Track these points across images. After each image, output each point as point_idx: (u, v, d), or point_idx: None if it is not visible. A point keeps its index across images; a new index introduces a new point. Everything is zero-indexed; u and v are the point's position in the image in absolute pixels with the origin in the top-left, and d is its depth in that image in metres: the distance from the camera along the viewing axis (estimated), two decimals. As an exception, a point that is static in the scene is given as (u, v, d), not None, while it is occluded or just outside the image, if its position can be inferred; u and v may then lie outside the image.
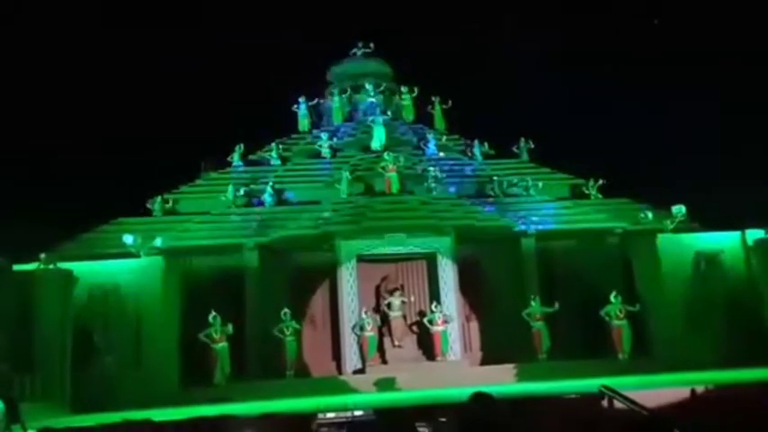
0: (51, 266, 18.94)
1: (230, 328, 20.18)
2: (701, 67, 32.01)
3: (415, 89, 29.51)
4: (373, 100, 28.64)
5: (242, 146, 27.16)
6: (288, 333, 20.85)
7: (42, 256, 19.22)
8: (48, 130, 31.50)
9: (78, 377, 18.32)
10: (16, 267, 18.61)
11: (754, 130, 28.87)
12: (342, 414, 12.09)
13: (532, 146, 27.60)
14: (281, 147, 27.47)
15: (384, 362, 21.42)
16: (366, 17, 37.44)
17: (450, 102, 29.50)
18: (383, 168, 23.92)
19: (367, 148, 26.44)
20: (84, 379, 18.33)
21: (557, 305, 21.03)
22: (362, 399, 16.77)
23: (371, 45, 30.16)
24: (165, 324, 19.86)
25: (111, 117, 34.25)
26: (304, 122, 29.25)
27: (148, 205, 24.75)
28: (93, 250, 21.50)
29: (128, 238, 20.90)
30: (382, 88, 29.56)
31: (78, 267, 19.22)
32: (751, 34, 31.19)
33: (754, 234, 21.16)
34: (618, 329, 21.03)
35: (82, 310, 19.20)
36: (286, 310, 21.00)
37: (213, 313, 20.18)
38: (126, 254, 20.70)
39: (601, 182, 25.51)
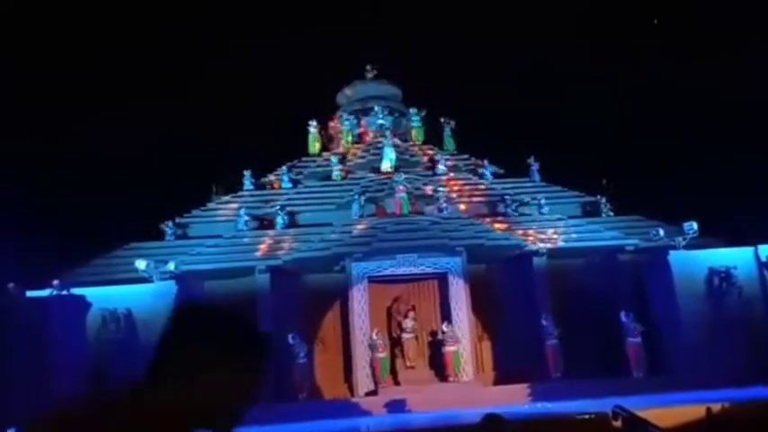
0: (64, 292, 19.08)
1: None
2: (711, 78, 32.03)
3: (424, 110, 29.60)
4: (383, 122, 28.80)
5: (251, 169, 27.37)
6: (300, 355, 20.80)
7: (55, 282, 19.37)
8: (59, 156, 31.82)
9: (92, 403, 18.33)
10: (30, 294, 18.77)
11: (765, 144, 28.77)
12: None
13: (537, 164, 27.60)
14: (291, 170, 27.62)
15: (396, 383, 21.33)
16: (375, 39, 37.72)
17: (452, 122, 29.54)
18: (393, 189, 24.05)
19: (377, 170, 26.56)
20: (97, 404, 18.33)
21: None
22: (375, 421, 16.70)
23: (381, 70, 30.49)
24: (177, 348, 19.86)
25: (124, 141, 34.62)
26: (314, 145, 29.46)
27: (161, 229, 24.92)
28: (106, 275, 21.63)
29: (140, 263, 20.99)
30: (392, 110, 29.75)
31: (91, 293, 19.37)
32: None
33: (766, 249, 21.03)
34: (632, 347, 20.87)
35: (95, 335, 19.30)
36: (293, 334, 20.96)
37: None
38: (138, 279, 20.79)
39: (607, 185, 25.60)
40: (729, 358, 19.45)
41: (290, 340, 20.72)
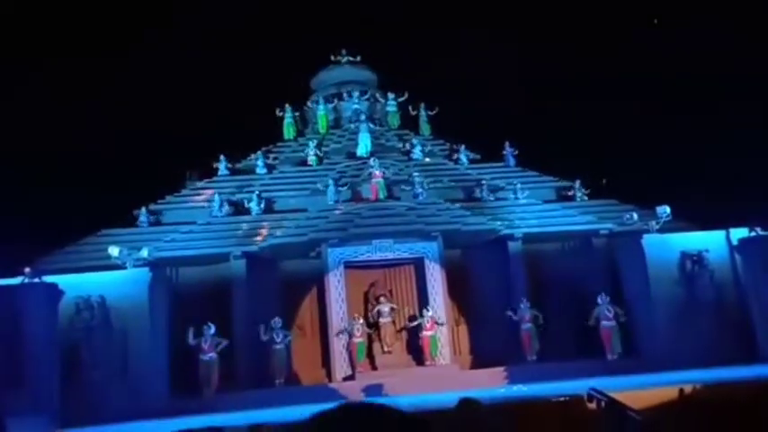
0: (36, 280, 18.78)
1: (222, 341, 20.14)
2: (682, 66, 32.33)
3: (405, 94, 29.47)
4: (358, 107, 28.68)
5: (225, 154, 27.15)
6: (278, 341, 20.78)
7: (27, 269, 19.06)
8: (28, 141, 31.28)
9: (66, 391, 18.16)
10: (0, 282, 18.47)
11: (734, 128, 29.16)
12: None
13: (512, 149, 27.75)
14: (267, 155, 27.44)
15: (374, 368, 21.40)
16: (349, 23, 37.51)
17: (437, 108, 29.59)
18: (369, 175, 24.02)
19: (353, 155, 26.49)
20: (72, 392, 18.16)
21: (541, 319, 21.15)
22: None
23: (357, 57, 30.33)
24: (152, 335, 19.74)
25: (95, 127, 34.10)
26: (289, 130, 29.24)
27: (134, 216, 24.64)
28: (79, 263, 21.36)
29: (113, 250, 20.76)
30: (367, 95, 29.63)
31: (64, 280, 19.07)
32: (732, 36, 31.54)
33: (737, 233, 21.32)
34: (607, 330, 21.12)
35: (68, 323, 19.06)
36: (277, 318, 20.95)
37: (209, 324, 20.06)
38: (112, 266, 20.55)
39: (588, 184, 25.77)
40: (701, 340, 19.77)
41: (274, 325, 20.69)
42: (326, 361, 21.53)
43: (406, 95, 29.40)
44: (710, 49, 31.13)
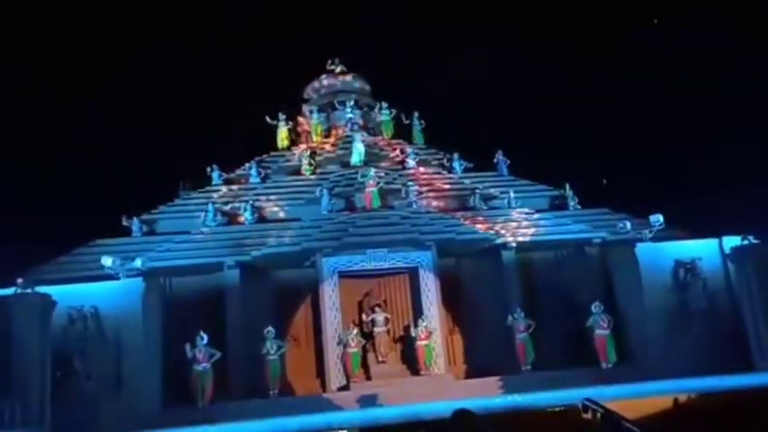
0: (29, 291, 18.66)
1: (215, 353, 20.02)
2: (682, 66, 32.50)
3: (394, 111, 29.59)
4: (352, 116, 28.74)
5: (219, 164, 27.13)
6: (272, 352, 20.69)
7: (19, 280, 18.94)
8: (19, 151, 31.15)
9: (58, 402, 18.03)
10: (-7, 292, 18.36)
11: (732, 129, 29.30)
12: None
13: (505, 158, 27.77)
14: (260, 164, 27.43)
15: (368, 378, 21.34)
16: (341, 33, 37.62)
17: (423, 122, 29.67)
18: (363, 184, 24.02)
19: (347, 164, 26.49)
20: (64, 404, 18.04)
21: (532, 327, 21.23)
22: (347, 416, 16.68)
23: (343, 67, 30.46)
24: (146, 346, 19.65)
25: (87, 136, 34.01)
26: (283, 140, 29.26)
27: (126, 226, 24.56)
28: (72, 273, 21.27)
29: (106, 260, 20.68)
30: (361, 104, 29.70)
31: (56, 291, 18.94)
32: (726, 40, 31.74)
33: (730, 241, 21.40)
34: (601, 339, 21.13)
35: (61, 333, 18.95)
36: (270, 328, 20.87)
37: (202, 334, 19.93)
38: (105, 276, 20.47)
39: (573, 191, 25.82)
40: (695, 349, 19.82)
41: (268, 335, 20.60)
42: (321, 371, 21.46)
43: (395, 112, 29.52)
44: (710, 49, 31.28)
